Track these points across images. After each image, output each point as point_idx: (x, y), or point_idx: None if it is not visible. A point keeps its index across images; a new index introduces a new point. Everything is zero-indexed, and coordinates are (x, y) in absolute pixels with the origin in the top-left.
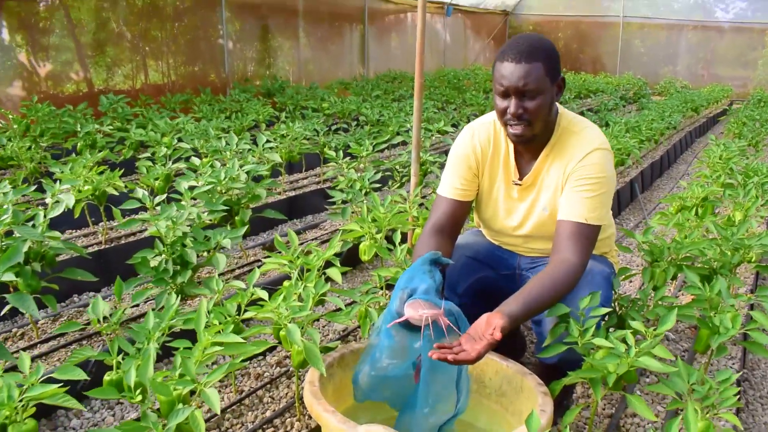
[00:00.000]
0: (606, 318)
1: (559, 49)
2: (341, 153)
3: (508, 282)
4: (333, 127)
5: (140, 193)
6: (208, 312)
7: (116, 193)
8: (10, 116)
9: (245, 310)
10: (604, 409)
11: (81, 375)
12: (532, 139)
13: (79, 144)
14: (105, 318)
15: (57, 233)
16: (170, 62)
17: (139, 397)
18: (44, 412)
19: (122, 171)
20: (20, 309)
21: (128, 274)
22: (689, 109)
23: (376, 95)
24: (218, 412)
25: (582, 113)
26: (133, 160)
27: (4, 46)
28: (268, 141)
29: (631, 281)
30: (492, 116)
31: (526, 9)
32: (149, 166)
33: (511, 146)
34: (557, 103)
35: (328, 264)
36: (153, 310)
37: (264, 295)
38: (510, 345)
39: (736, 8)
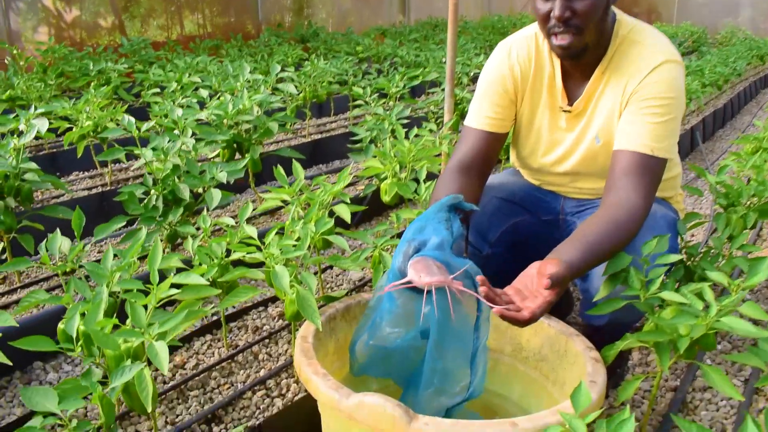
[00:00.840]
0: (671, 270)
1: None
2: (369, 90)
3: (549, 229)
4: (366, 71)
5: (126, 120)
6: (193, 253)
7: (115, 126)
8: (26, 57)
9: (232, 251)
10: (666, 381)
11: (8, 321)
12: (582, 53)
13: (92, 84)
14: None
15: (33, 164)
16: (205, 12)
17: (79, 350)
18: (19, 364)
19: (138, 113)
20: None
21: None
22: (754, 57)
23: (415, 38)
24: (164, 372)
25: None
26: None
27: None
28: (283, 70)
29: (693, 234)
30: (532, 29)
31: None
32: (158, 102)
33: (558, 64)
34: (614, 8)
35: (338, 204)
36: (114, 248)
37: (253, 232)
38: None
39: None
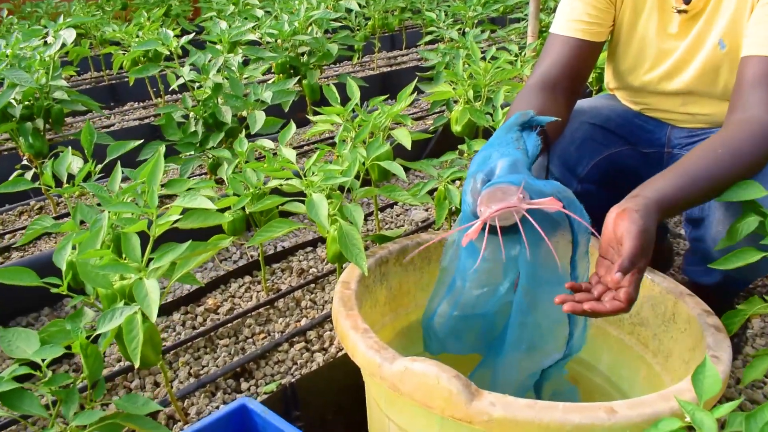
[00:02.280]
0: None
1: None
2: (443, 15)
3: (651, 165)
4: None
5: (163, 32)
6: (227, 180)
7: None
8: None
9: (269, 179)
10: None
11: None
12: None
13: (154, 10)
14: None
15: (63, 82)
16: None
17: (66, 287)
18: (48, 300)
19: (178, 29)
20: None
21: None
22: None
23: None
24: (153, 320)
25: None
26: None
27: None
28: None
29: None
30: None
31: None
32: (213, 24)
33: None
34: None
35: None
36: (124, 170)
37: (291, 156)
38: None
39: None
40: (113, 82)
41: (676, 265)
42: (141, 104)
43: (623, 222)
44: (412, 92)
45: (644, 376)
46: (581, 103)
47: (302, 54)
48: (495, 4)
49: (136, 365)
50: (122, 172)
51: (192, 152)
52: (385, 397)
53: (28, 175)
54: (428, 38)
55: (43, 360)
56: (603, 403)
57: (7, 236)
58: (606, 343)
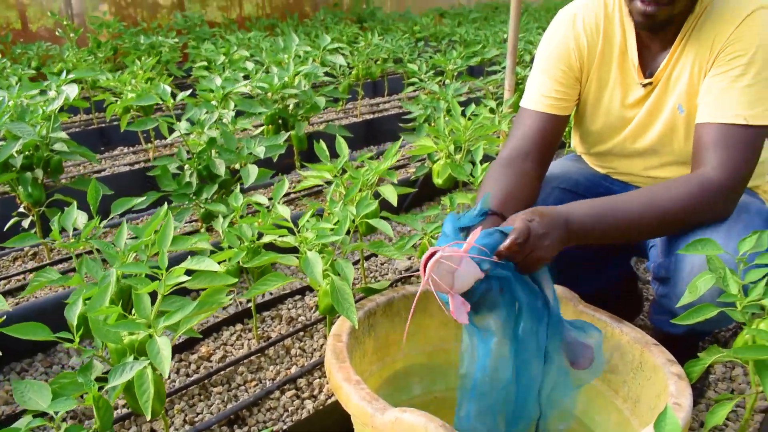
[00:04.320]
0: None
1: None
2: (424, 67)
3: None
4: (424, 51)
5: (161, 88)
6: (222, 234)
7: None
8: (78, 31)
9: (263, 234)
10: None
11: (2, 305)
12: (667, 24)
13: (142, 58)
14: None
15: (63, 134)
16: None
17: (78, 341)
18: (42, 347)
19: (169, 79)
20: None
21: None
22: None
23: (474, 18)
24: (165, 375)
25: None
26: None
27: None
28: (333, 41)
29: None
30: None
31: None
32: (204, 76)
33: (632, 33)
34: None
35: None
36: (131, 225)
37: (286, 212)
38: (619, 304)
39: None
40: (102, 125)
41: (645, 310)
42: (131, 149)
43: (518, 216)
44: (399, 138)
45: (615, 421)
46: (552, 168)
47: (291, 105)
48: (474, 57)
49: (148, 417)
50: (125, 227)
51: (186, 202)
52: None
53: (26, 222)
54: (410, 89)
55: (56, 412)
56: None
57: (2, 282)
58: (580, 389)
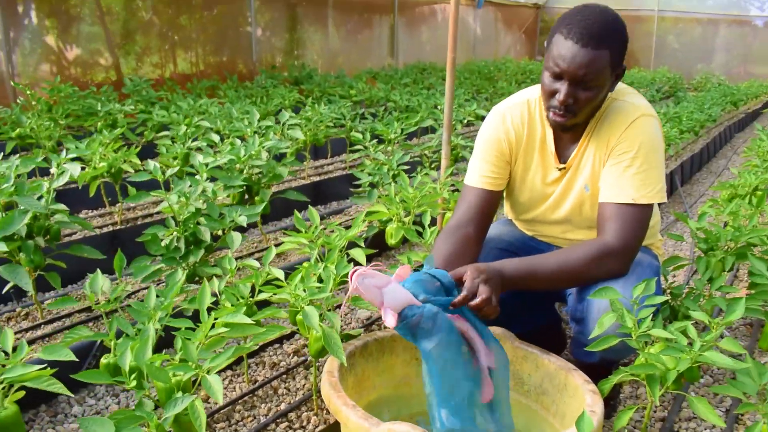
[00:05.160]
0: (659, 310)
1: None
2: (368, 135)
3: None
4: (361, 114)
5: (152, 165)
6: (220, 293)
7: (132, 172)
8: (37, 97)
9: (260, 291)
10: (655, 412)
11: (69, 356)
12: (573, 127)
13: (99, 124)
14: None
15: (62, 206)
16: (199, 51)
17: (134, 383)
18: (44, 397)
19: (141, 152)
20: (17, 283)
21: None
22: (728, 103)
23: (405, 83)
24: (220, 402)
25: None
26: (155, 143)
27: (33, 30)
28: (291, 118)
29: (674, 275)
30: (524, 95)
31: (558, 3)
32: (168, 145)
33: (549, 128)
34: None
35: (352, 246)
36: (157, 288)
37: (280, 274)
38: (547, 341)
39: None
40: (63, 187)
41: (568, 347)
42: (96, 212)
43: (469, 269)
44: (345, 198)
45: None
46: (490, 232)
47: (256, 174)
48: (410, 128)
49: None
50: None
51: (174, 264)
52: None
53: (28, 285)
54: (356, 155)
55: None
56: None
57: None
58: (520, 410)
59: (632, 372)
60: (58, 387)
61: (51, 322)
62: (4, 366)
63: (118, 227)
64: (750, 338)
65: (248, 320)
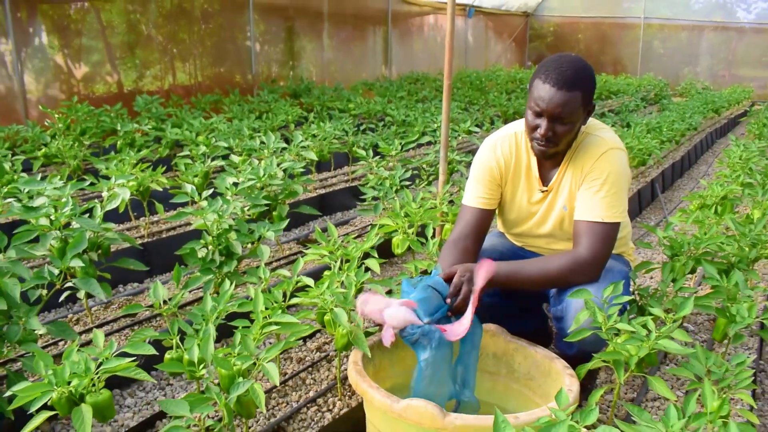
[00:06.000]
0: (628, 307)
1: (579, 51)
2: (371, 152)
3: None
4: (360, 127)
5: (188, 188)
6: (255, 297)
7: (159, 189)
8: (64, 118)
9: (292, 296)
10: (626, 393)
11: (150, 350)
12: (554, 155)
13: (119, 143)
14: (164, 301)
15: (111, 224)
16: (197, 64)
17: (203, 372)
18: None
19: (163, 168)
20: (88, 291)
21: (169, 266)
22: (710, 111)
23: (401, 96)
24: (277, 384)
25: (603, 114)
26: (169, 158)
27: (42, 49)
28: (303, 141)
29: (652, 276)
30: (512, 128)
31: (547, 11)
32: (188, 164)
33: (533, 157)
34: None
35: (366, 256)
36: (210, 295)
37: (310, 282)
38: (536, 338)
39: (758, 8)
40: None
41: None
42: (122, 225)
43: (459, 268)
44: (349, 209)
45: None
46: (485, 243)
47: (274, 191)
48: (409, 144)
49: (263, 410)
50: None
51: (210, 275)
52: (389, 427)
53: (81, 293)
54: (359, 171)
55: (196, 415)
56: (511, 414)
57: (49, 348)
58: (512, 394)
59: (603, 358)
60: (143, 375)
61: (100, 326)
62: (96, 360)
63: (146, 240)
64: (712, 332)
65: (294, 319)
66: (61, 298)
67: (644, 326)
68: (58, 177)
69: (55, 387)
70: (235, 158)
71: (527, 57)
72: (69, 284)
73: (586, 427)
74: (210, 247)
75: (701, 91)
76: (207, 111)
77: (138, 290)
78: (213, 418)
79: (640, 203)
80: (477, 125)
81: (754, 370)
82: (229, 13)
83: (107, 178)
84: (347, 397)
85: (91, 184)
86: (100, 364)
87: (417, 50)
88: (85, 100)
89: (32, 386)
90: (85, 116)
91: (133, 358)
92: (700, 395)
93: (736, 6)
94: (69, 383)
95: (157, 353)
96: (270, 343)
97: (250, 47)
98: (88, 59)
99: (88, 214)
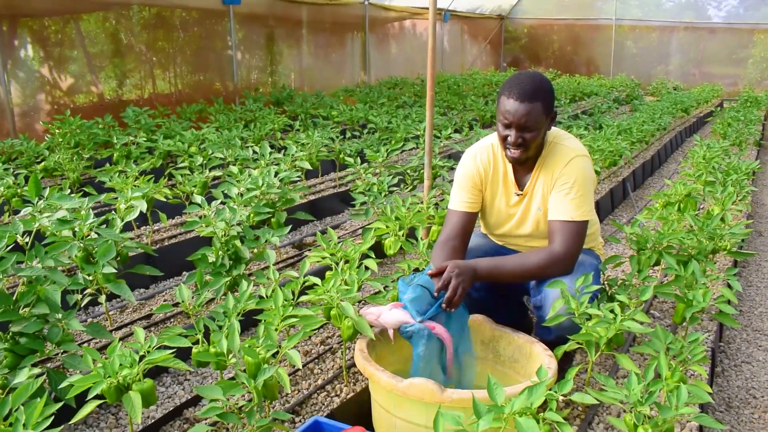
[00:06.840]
0: (599, 296)
1: (553, 52)
2: (358, 159)
3: None
4: (344, 135)
5: (198, 199)
6: (267, 297)
7: (163, 199)
8: (63, 132)
9: (302, 293)
10: (599, 372)
11: (186, 342)
12: (526, 160)
13: (115, 155)
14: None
15: (130, 234)
16: (178, 72)
17: (233, 360)
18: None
19: (165, 180)
20: (120, 295)
21: (172, 272)
22: (679, 110)
23: (382, 102)
24: (300, 367)
25: (576, 116)
26: (162, 169)
27: (26, 60)
28: (296, 151)
29: (623, 270)
30: (489, 140)
31: (521, 13)
32: (185, 174)
33: (509, 165)
34: None
35: (364, 257)
36: (226, 296)
37: (317, 281)
38: (518, 326)
39: (729, 6)
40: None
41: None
42: (126, 235)
43: (449, 263)
44: (338, 213)
45: None
46: (471, 243)
47: (272, 199)
48: (394, 152)
49: (288, 391)
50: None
51: (221, 279)
52: (393, 404)
53: (101, 298)
54: (347, 176)
55: (228, 397)
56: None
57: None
58: (499, 376)
59: (577, 340)
60: (181, 365)
61: (119, 328)
62: (138, 353)
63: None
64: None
65: (311, 313)
66: (84, 303)
67: (611, 311)
68: (66, 190)
69: (107, 377)
70: (234, 169)
71: (503, 59)
72: (91, 290)
73: (563, 395)
74: (220, 252)
75: (671, 91)
76: (193, 120)
77: (149, 295)
78: (243, 399)
79: (612, 201)
80: (456, 130)
81: (708, 347)
82: (210, 21)
83: (111, 190)
84: (352, 384)
85: (82, 196)
86: (142, 356)
87: (394, 55)
88: (67, 109)
89: (86, 377)
90: (77, 129)
91: (172, 350)
92: (656, 366)
93: (706, 4)
94: (117, 374)
95: (191, 345)
96: (281, 339)
97: (232, 56)
98: (70, 70)
99: (104, 225)
